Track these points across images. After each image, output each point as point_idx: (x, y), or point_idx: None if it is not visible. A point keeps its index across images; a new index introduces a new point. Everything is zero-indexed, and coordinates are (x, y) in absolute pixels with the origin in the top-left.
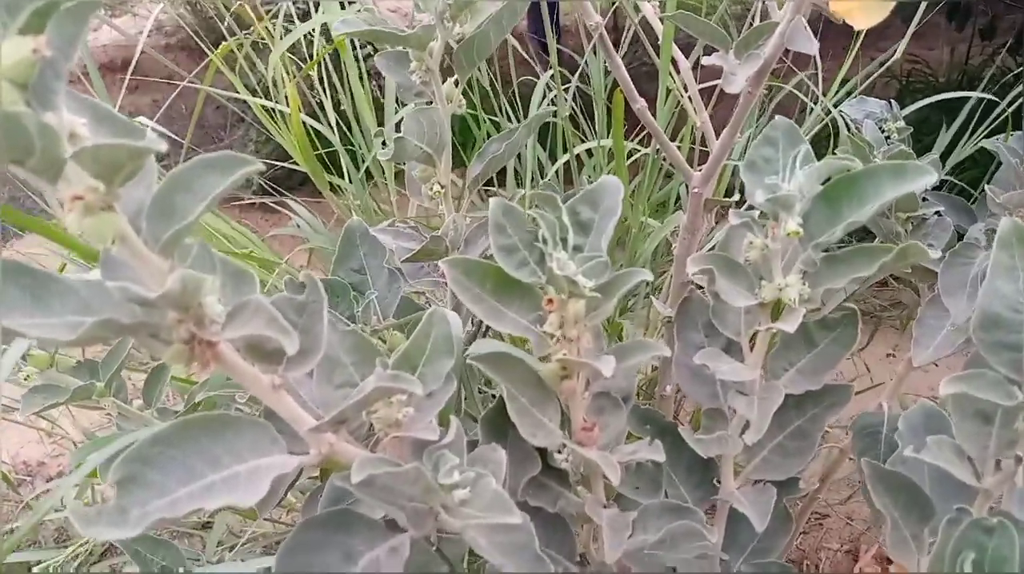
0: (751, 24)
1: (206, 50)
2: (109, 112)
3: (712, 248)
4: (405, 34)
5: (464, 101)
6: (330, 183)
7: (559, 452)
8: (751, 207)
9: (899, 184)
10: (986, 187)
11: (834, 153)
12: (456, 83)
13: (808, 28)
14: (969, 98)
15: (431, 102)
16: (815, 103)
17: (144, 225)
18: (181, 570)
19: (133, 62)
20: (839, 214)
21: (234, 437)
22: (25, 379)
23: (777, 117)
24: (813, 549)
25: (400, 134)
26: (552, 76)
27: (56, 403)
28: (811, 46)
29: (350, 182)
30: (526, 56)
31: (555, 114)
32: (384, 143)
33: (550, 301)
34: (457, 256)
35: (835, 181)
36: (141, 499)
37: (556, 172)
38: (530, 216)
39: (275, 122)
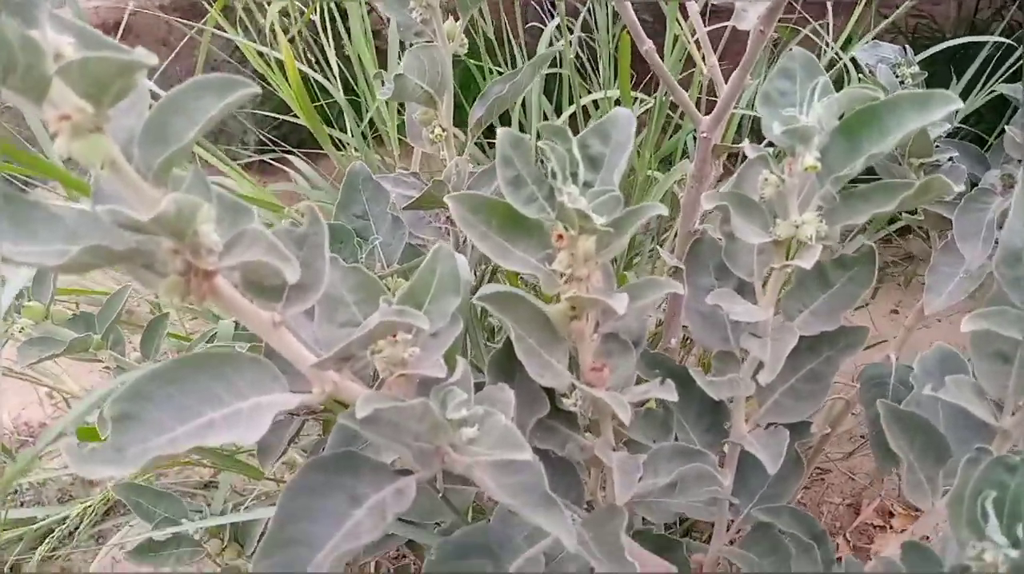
0: None
1: (205, 4)
2: (97, 35)
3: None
4: None
5: (466, 41)
6: (332, 139)
7: (568, 395)
8: (770, 144)
9: (923, 113)
10: (1006, 128)
11: None
12: (457, 20)
13: None
14: (978, 51)
15: (432, 41)
16: (824, 54)
17: (136, 152)
18: (184, 520)
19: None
20: (859, 147)
21: (234, 374)
22: (20, 331)
23: (795, 47)
24: (815, 503)
25: (401, 72)
26: (559, 25)
27: (52, 355)
28: None
29: (352, 136)
30: (532, 2)
31: (561, 63)
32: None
33: (560, 237)
34: (463, 192)
35: (855, 112)
36: (139, 436)
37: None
38: (539, 150)
39: (272, 71)
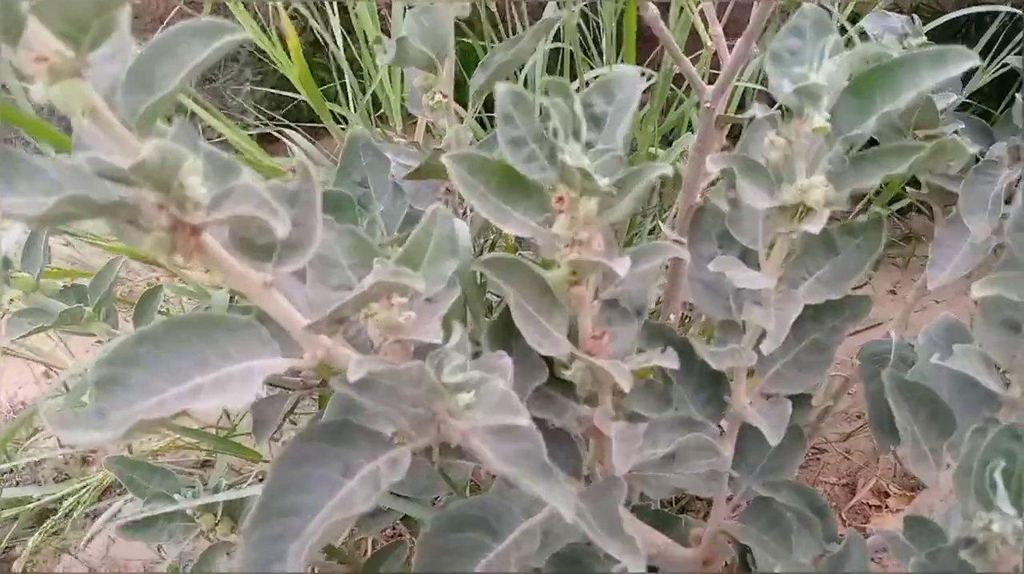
0: None
1: None
2: None
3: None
4: None
5: (468, 4)
6: (333, 114)
7: (567, 366)
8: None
9: (938, 70)
10: (1017, 96)
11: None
12: None
13: None
14: (984, 29)
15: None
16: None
17: (120, 100)
18: (177, 495)
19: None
20: (871, 105)
21: (224, 337)
22: (9, 302)
23: (805, 4)
24: (810, 483)
25: (403, 35)
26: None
27: (42, 327)
28: None
29: (355, 110)
30: None
31: (564, 37)
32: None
33: (560, 198)
34: (462, 151)
35: (867, 71)
36: (123, 400)
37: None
38: (542, 110)
39: (275, 46)
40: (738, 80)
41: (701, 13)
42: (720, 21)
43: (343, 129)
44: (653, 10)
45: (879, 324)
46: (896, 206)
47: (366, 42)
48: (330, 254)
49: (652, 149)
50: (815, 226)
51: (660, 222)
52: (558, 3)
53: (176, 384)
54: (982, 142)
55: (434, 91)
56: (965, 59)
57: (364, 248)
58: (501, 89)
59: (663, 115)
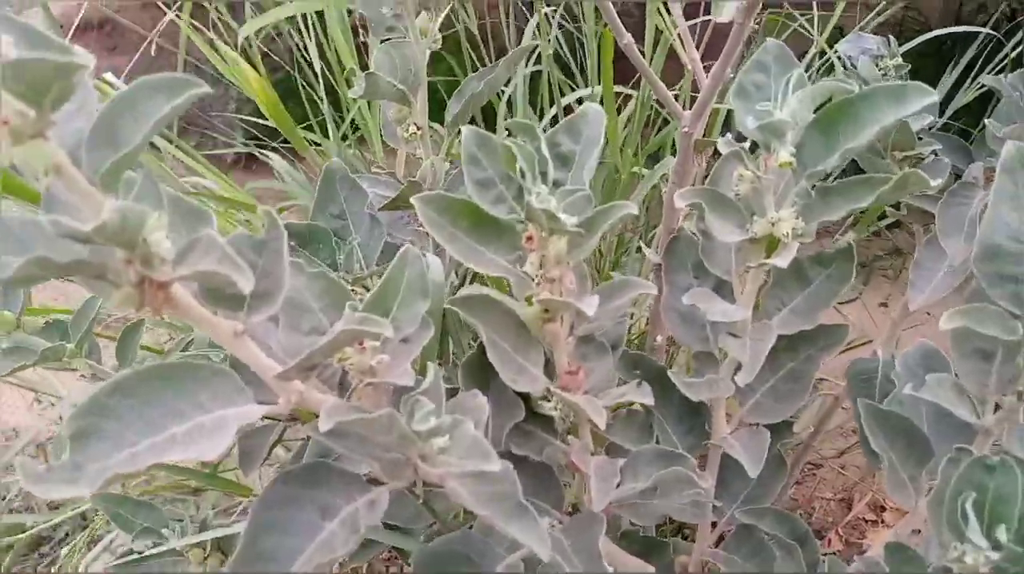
0: None
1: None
2: (40, 34)
3: None
4: None
5: (440, 37)
6: (315, 141)
7: (545, 399)
8: (741, 138)
9: (899, 106)
10: (986, 121)
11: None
12: (431, 16)
13: None
14: (968, 45)
15: (405, 38)
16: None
17: (84, 156)
18: (164, 530)
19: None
20: (835, 142)
21: (197, 386)
22: None
23: (768, 40)
24: (807, 498)
25: (371, 70)
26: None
27: (24, 365)
28: None
29: (332, 140)
30: None
31: (541, 58)
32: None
33: (530, 238)
34: (430, 192)
35: (830, 106)
36: (98, 453)
37: (544, 128)
38: (506, 147)
39: (243, 78)
40: (719, 103)
41: (679, 36)
42: (699, 46)
43: (323, 152)
44: (628, 38)
45: (869, 342)
46: (887, 221)
47: (340, 66)
48: (301, 298)
49: (636, 169)
50: (783, 260)
51: (644, 244)
52: (536, 27)
53: (150, 436)
54: (961, 161)
55: (408, 123)
56: (924, 95)
57: (336, 290)
58: (466, 132)
59: (648, 130)
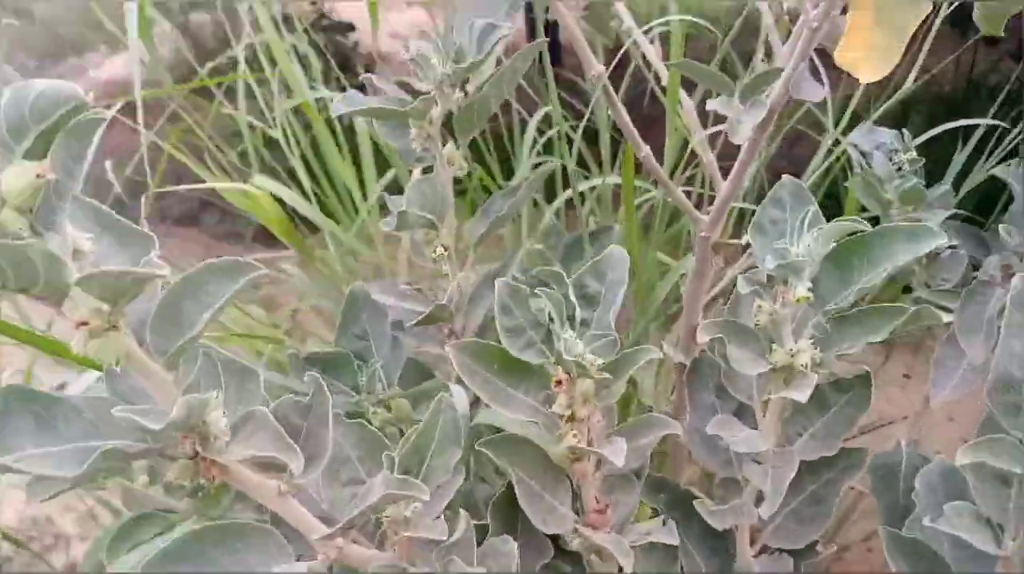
0: (755, 65)
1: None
2: (113, 219)
3: (723, 289)
4: (405, 108)
5: (465, 165)
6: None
7: (576, 532)
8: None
9: (912, 247)
10: (999, 227)
11: (846, 187)
12: (457, 146)
13: (816, 61)
14: (982, 114)
15: (432, 167)
16: (824, 134)
17: (149, 336)
18: None
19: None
20: (850, 278)
21: (243, 547)
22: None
23: (784, 177)
24: None
25: (403, 208)
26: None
27: (60, 491)
28: (817, 92)
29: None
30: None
31: (554, 150)
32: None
33: (559, 382)
34: (464, 340)
35: (845, 243)
36: None
37: (557, 212)
38: (533, 292)
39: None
40: (735, 202)
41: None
42: (714, 148)
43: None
44: (646, 150)
45: (891, 423)
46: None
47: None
48: (338, 449)
49: (660, 254)
50: (802, 394)
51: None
52: (551, 122)
53: None
54: (978, 252)
55: (435, 244)
56: (935, 238)
57: (371, 440)
58: (499, 284)
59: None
